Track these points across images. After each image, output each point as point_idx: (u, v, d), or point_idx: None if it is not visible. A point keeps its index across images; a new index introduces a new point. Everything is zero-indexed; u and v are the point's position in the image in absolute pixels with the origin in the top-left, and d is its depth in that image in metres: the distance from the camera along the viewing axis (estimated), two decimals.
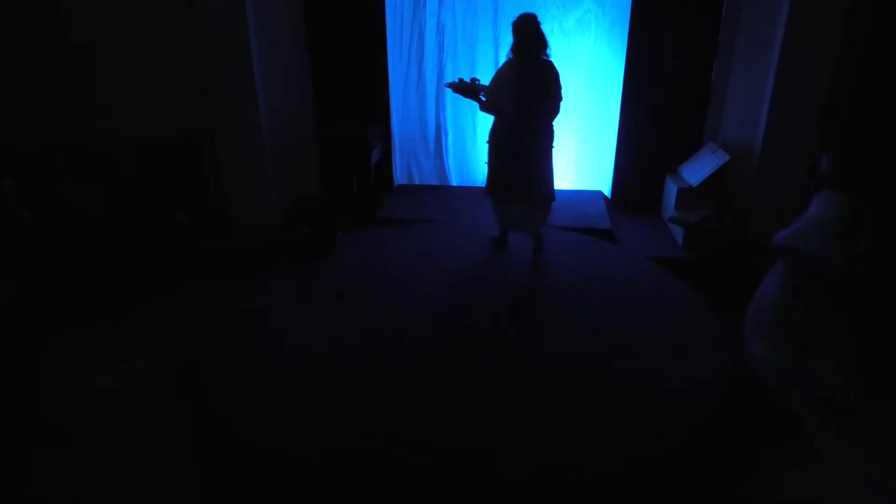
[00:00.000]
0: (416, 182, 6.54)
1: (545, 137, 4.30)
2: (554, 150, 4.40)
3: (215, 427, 2.86)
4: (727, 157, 5.11)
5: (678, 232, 5.19)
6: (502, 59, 6.00)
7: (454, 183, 6.52)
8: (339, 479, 2.47)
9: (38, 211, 4.47)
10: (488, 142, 4.41)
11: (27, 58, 5.20)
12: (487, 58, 6.09)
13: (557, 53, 5.95)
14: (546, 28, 5.87)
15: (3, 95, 5.18)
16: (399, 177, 6.52)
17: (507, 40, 5.96)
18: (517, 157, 4.28)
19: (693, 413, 2.81)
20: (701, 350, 3.27)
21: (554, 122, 4.37)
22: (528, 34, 4.30)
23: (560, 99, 4.33)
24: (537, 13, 5.79)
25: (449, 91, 6.18)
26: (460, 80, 4.55)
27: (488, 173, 4.48)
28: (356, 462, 2.52)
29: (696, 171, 5.34)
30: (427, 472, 2.48)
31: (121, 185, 5.40)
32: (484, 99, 4.36)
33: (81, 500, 2.88)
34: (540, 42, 4.31)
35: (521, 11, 4.44)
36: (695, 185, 5.22)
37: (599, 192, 6.18)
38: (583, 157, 6.29)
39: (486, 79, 4.51)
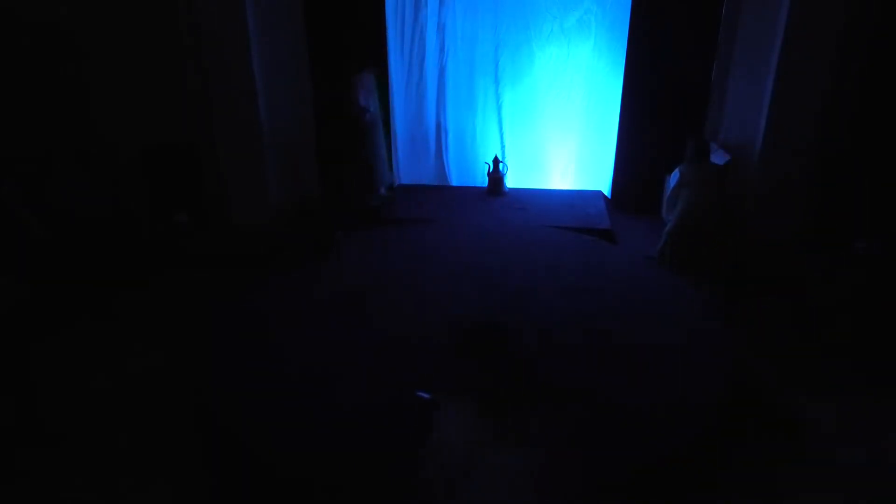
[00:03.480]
0: (417, 182, 6.54)
1: None
2: None
3: (215, 428, 2.86)
4: (728, 157, 5.11)
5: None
6: (502, 59, 6.04)
7: (454, 183, 6.52)
8: (339, 480, 2.48)
9: (38, 211, 4.48)
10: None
11: (27, 58, 5.19)
12: (488, 58, 6.09)
13: (557, 54, 6.00)
14: (546, 29, 5.96)
15: (3, 98, 5.18)
16: (399, 177, 6.53)
17: (507, 40, 6.00)
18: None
19: (693, 414, 2.81)
20: (701, 350, 3.26)
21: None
22: None
23: None
24: (537, 14, 5.86)
25: (449, 91, 6.23)
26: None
27: None
28: (356, 462, 2.52)
29: None
30: (427, 472, 2.47)
31: (121, 186, 5.40)
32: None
33: (78, 501, 2.88)
34: None
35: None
36: None
37: (599, 192, 6.18)
38: (583, 157, 6.29)
39: None
